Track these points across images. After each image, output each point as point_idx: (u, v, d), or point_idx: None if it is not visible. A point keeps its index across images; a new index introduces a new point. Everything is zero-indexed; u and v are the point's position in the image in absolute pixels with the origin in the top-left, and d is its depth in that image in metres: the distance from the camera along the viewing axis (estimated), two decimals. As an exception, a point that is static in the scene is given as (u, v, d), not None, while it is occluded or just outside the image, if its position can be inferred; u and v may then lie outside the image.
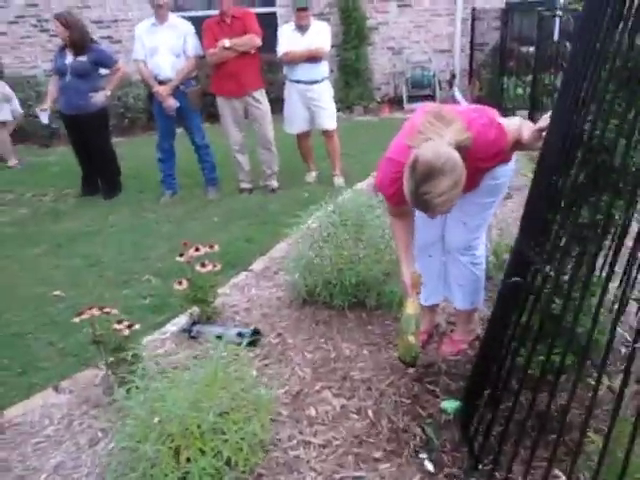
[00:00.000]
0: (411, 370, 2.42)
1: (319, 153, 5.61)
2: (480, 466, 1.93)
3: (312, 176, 5.59)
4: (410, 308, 2.16)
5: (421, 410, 2.20)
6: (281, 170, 5.47)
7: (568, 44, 6.78)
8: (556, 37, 6.51)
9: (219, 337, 2.66)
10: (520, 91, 6.39)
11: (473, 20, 8.98)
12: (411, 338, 2.15)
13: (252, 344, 2.64)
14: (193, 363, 2.15)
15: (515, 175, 2.36)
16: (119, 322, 2.22)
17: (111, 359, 2.27)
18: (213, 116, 6.11)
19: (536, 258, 1.69)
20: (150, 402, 1.80)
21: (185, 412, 1.75)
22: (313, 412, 2.21)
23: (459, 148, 1.70)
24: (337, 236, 2.86)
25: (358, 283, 2.76)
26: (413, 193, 1.69)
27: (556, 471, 1.85)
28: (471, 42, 9.10)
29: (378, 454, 1.99)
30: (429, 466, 1.96)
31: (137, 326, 2.26)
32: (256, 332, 2.68)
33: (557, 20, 6.28)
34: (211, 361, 2.05)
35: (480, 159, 1.90)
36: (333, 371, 2.45)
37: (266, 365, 2.52)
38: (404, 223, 2.21)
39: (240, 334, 2.65)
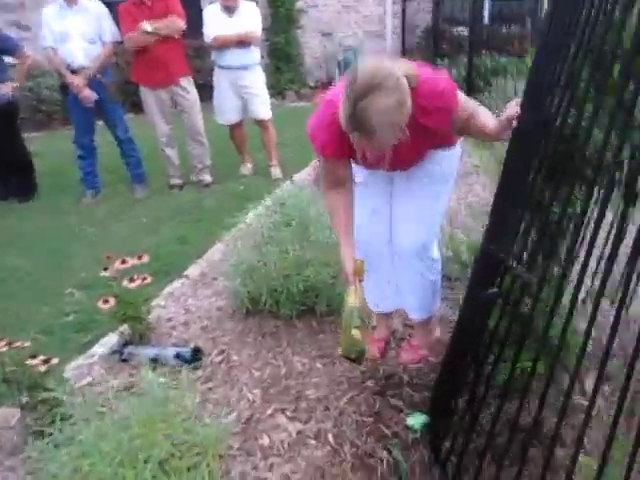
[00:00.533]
0: (370, 383, 2.22)
1: (253, 143, 5.31)
2: (455, 491, 1.76)
3: (247, 168, 5.29)
4: (352, 299, 1.86)
5: (385, 429, 2.01)
6: (214, 163, 5.14)
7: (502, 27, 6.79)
8: (486, 20, 6.47)
9: (154, 360, 2.39)
10: (455, 73, 6.30)
11: (404, 1, 8.85)
12: (355, 332, 1.86)
13: (192, 363, 2.36)
14: (125, 398, 1.86)
15: (460, 162, 2.17)
16: (33, 357, 1.89)
17: (26, 399, 1.94)
18: (136, 105, 5.65)
19: (508, 259, 1.51)
20: (73, 460, 1.50)
21: (117, 470, 1.47)
22: (267, 441, 1.97)
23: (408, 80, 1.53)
24: (281, 237, 2.61)
25: (306, 289, 2.53)
26: (350, 112, 1.46)
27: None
28: (402, 24, 8.98)
29: (343, 488, 1.78)
30: (401, 491, 1.76)
31: (55, 360, 1.94)
32: (196, 351, 2.40)
33: (487, 2, 6.24)
34: (145, 398, 1.76)
35: (424, 110, 1.61)
36: (285, 391, 2.21)
37: (210, 389, 2.25)
38: (342, 197, 1.91)
39: (178, 355, 2.37)
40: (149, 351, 2.44)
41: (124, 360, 2.45)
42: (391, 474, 1.83)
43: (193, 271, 3.31)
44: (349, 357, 1.95)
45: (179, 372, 2.34)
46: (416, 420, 2.02)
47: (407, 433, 1.99)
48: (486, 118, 1.78)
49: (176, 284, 3.18)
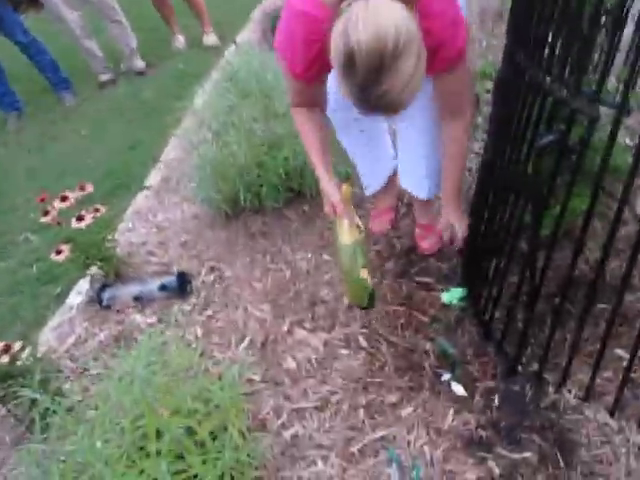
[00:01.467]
0: (391, 264, 1.90)
1: (181, 10, 4.54)
2: (519, 367, 1.52)
3: (180, 41, 4.57)
4: (346, 236, 1.52)
5: (421, 315, 1.73)
6: (143, 45, 4.41)
7: None
8: None
9: (137, 299, 2.05)
10: None
11: None
12: (360, 273, 1.54)
13: (182, 292, 2.03)
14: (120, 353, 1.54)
15: None
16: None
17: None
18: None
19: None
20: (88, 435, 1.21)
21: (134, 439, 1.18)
22: (292, 364, 1.69)
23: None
24: (241, 117, 2.14)
25: (287, 172, 2.11)
26: (360, 99, 1.04)
27: (617, 350, 1.46)
28: None
29: (394, 397, 1.53)
30: (459, 389, 1.52)
31: (17, 345, 1.59)
32: (182, 277, 2.05)
33: None
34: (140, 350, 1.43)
35: (429, 30, 1.10)
36: (297, 298, 1.90)
37: (210, 317, 1.93)
38: (315, 116, 1.53)
39: (164, 287, 2.02)
40: (130, 289, 2.09)
41: (106, 307, 2.11)
42: (442, 365, 1.58)
43: (154, 179, 2.86)
44: (360, 306, 1.66)
45: (171, 306, 2.02)
46: (452, 295, 1.74)
47: (447, 312, 1.71)
48: (454, 103, 1.40)
49: (139, 199, 2.75)
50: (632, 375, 1.36)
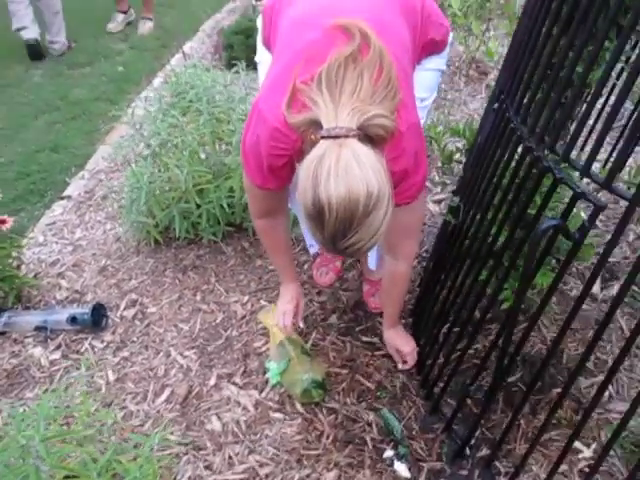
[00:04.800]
0: (334, 319, 1.75)
1: None
2: (468, 450, 1.40)
3: (147, 27, 4.36)
4: (277, 335, 1.59)
5: (365, 380, 1.58)
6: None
7: None
8: None
9: (40, 328, 1.78)
10: None
11: None
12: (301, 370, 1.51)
13: (96, 326, 1.78)
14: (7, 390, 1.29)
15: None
16: None
17: None
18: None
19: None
20: None
21: None
22: (217, 425, 1.49)
23: (375, 135, 0.94)
24: (186, 138, 1.94)
25: (231, 205, 1.93)
26: (327, 246, 0.98)
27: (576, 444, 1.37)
28: None
29: (331, 475, 1.36)
30: (402, 470, 1.38)
31: None
32: (97, 309, 1.80)
33: None
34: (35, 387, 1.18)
35: (394, 169, 1.03)
36: (228, 346, 1.70)
37: (126, 359, 1.70)
38: (280, 228, 1.47)
39: (74, 319, 1.76)
40: (33, 317, 1.82)
41: (0, 333, 1.82)
42: (386, 442, 1.44)
43: (74, 189, 2.57)
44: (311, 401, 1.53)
45: (80, 341, 1.77)
46: (272, 372, 1.57)
47: (393, 379, 1.58)
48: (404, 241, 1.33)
49: (56, 209, 2.46)
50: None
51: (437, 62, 1.38)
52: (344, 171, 0.87)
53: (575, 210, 1.08)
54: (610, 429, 1.35)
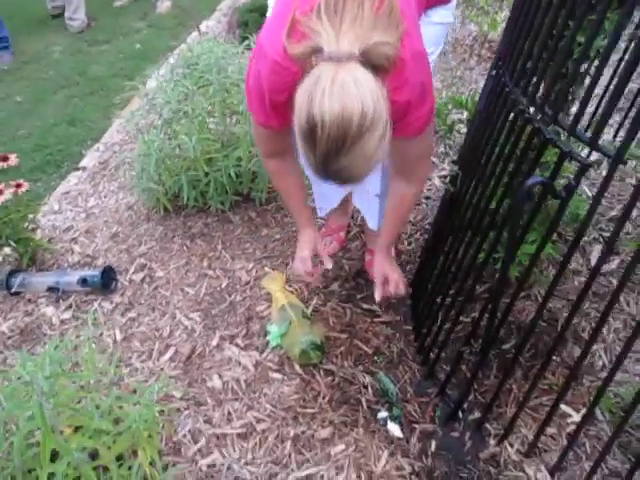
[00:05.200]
0: (335, 286, 1.79)
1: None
2: (461, 413, 1.43)
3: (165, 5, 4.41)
4: (280, 300, 1.65)
5: (363, 344, 1.62)
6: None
7: None
8: None
9: (53, 289, 1.84)
10: None
11: None
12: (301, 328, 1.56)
13: (105, 288, 1.84)
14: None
15: None
16: None
17: None
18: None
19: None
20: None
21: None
22: (218, 383, 1.54)
23: (377, 64, 0.91)
24: (197, 109, 1.98)
25: (239, 175, 1.97)
26: (318, 169, 0.97)
27: (562, 407, 1.40)
28: None
29: (325, 432, 1.41)
30: (395, 430, 1.42)
31: None
32: (107, 272, 1.86)
33: None
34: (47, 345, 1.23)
35: (397, 100, 1.01)
36: (231, 310, 1.75)
37: (133, 319, 1.76)
38: (289, 167, 1.44)
39: (85, 281, 1.82)
40: (46, 278, 1.88)
41: (15, 293, 1.89)
42: (380, 402, 1.47)
43: (90, 160, 2.64)
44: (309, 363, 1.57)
45: (90, 302, 1.83)
46: (273, 335, 1.61)
47: (390, 345, 1.61)
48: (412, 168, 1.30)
49: (71, 180, 2.53)
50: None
51: (443, 14, 1.37)
52: (340, 88, 0.86)
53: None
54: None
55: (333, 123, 0.86)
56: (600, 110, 1.88)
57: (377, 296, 1.52)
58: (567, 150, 0.94)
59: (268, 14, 1.46)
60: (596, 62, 1.12)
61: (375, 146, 0.91)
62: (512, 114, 1.12)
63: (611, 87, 1.77)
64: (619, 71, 1.70)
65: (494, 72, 1.27)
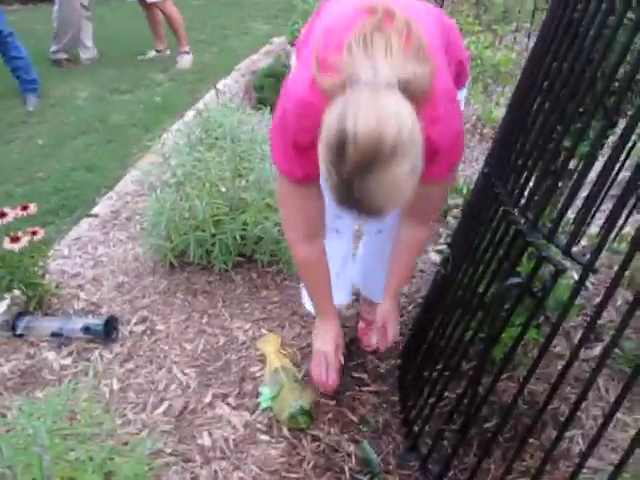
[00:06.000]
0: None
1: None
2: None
3: (185, 61, 4.71)
4: (273, 362, 1.73)
5: (350, 413, 1.67)
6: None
7: None
8: None
9: (56, 334, 1.92)
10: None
11: None
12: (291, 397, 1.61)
13: (106, 337, 1.91)
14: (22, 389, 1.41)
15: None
16: None
17: None
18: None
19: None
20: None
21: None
22: (207, 440, 1.60)
23: (412, 95, 0.88)
24: (209, 173, 2.10)
25: (244, 237, 2.07)
26: (342, 192, 0.90)
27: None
28: None
29: (307, 498, 1.45)
30: (374, 501, 1.46)
31: None
32: (110, 322, 1.93)
33: None
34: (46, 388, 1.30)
35: (430, 137, 0.95)
36: (226, 369, 1.81)
37: (131, 371, 1.82)
38: (318, 254, 1.41)
39: (87, 329, 1.90)
40: (50, 323, 1.96)
41: (18, 335, 1.96)
42: (362, 471, 1.52)
43: (103, 208, 2.75)
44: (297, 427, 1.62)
45: (91, 350, 1.90)
46: (264, 397, 1.67)
47: (376, 414, 1.67)
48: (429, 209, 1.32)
49: (82, 226, 2.63)
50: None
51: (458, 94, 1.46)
52: (377, 104, 0.82)
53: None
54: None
55: (367, 136, 0.81)
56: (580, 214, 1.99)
57: (373, 340, 1.58)
58: (544, 255, 1.03)
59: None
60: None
61: (406, 177, 0.87)
62: (498, 213, 1.22)
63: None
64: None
65: (485, 170, 1.38)
